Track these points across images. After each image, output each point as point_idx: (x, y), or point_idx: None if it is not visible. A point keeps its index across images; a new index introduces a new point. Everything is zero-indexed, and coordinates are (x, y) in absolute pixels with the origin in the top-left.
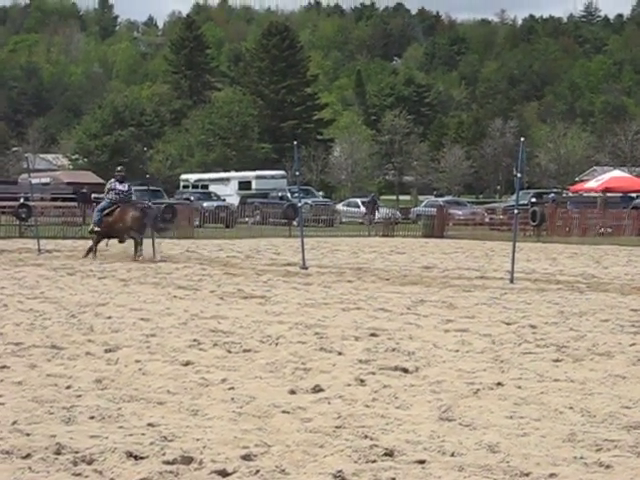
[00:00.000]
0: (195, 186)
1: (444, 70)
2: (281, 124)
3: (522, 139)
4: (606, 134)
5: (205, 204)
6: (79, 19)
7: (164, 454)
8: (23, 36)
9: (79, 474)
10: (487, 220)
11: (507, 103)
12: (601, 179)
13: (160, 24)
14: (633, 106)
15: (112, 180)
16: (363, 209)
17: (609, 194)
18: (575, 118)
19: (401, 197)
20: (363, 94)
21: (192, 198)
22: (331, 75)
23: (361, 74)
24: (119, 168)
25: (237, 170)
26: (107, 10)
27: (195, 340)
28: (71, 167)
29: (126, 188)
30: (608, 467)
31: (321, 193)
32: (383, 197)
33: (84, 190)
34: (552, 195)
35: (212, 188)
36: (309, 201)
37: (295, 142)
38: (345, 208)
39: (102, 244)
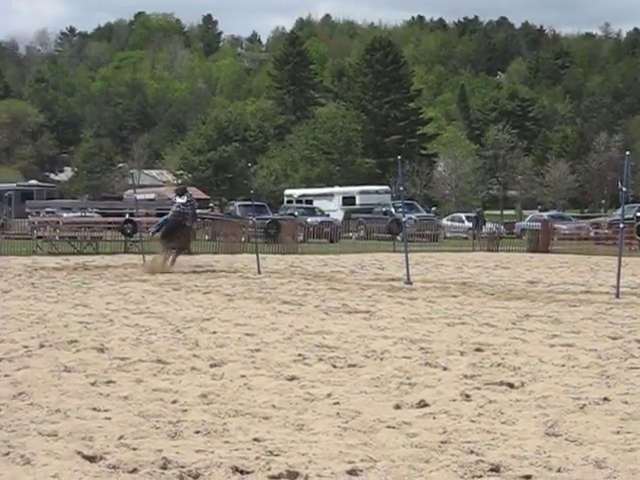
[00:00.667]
0: (299, 201)
1: (548, 84)
2: (385, 139)
3: (627, 153)
4: None
5: (309, 219)
6: (183, 35)
7: (270, 469)
8: (128, 53)
9: None
10: (592, 234)
11: (612, 117)
12: None
13: (264, 40)
14: None
15: (174, 195)
16: (467, 224)
17: None
18: None
19: (505, 212)
20: (467, 108)
21: (296, 213)
22: (434, 90)
23: (465, 88)
24: (179, 182)
25: (341, 185)
26: (211, 26)
27: (300, 355)
28: (176, 183)
29: (184, 200)
30: None
31: (434, 209)
32: (487, 212)
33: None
34: None
35: (316, 203)
36: (413, 216)
37: (399, 157)
38: (449, 223)
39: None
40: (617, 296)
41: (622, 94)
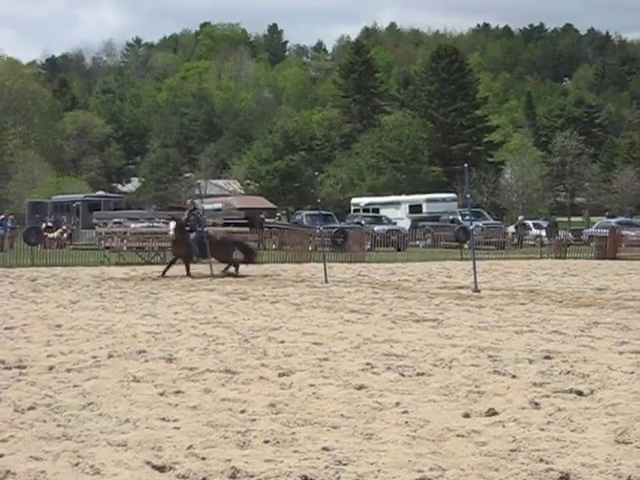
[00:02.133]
0: (366, 210)
1: (614, 90)
2: (451, 147)
3: None
4: None
5: (376, 228)
6: (249, 45)
7: (339, 478)
8: (194, 63)
9: None
10: None
11: None
12: None
13: (329, 48)
14: None
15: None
16: (535, 231)
17: None
18: None
19: (573, 219)
20: (533, 116)
21: (363, 222)
22: (501, 97)
23: (531, 95)
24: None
25: (407, 193)
26: (276, 36)
27: (368, 364)
28: (243, 192)
29: (185, 216)
30: None
31: (521, 217)
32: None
33: (262, 215)
34: None
35: (383, 212)
36: (480, 224)
37: (465, 165)
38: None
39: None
40: None
41: None
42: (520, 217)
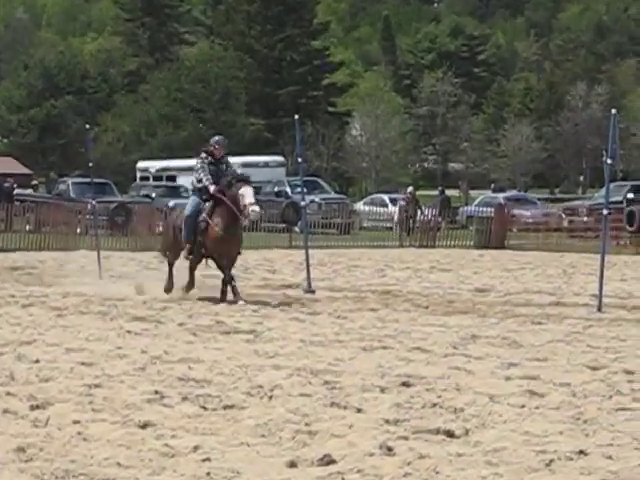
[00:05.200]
0: (158, 178)
1: (505, 16)
2: (277, 91)
3: (613, 111)
4: None
5: (172, 203)
6: None
7: None
8: None
9: None
10: (565, 224)
11: (593, 61)
12: None
13: None
14: None
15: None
16: (392, 209)
17: None
18: None
19: (447, 191)
20: (392, 49)
21: (153, 195)
22: (347, 23)
23: (389, 21)
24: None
25: None
26: None
27: (157, 392)
28: None
29: None
30: None
31: (411, 188)
32: (420, 192)
33: (6, 183)
34: None
35: (181, 181)
36: (317, 198)
37: (297, 116)
38: (367, 208)
39: None
40: (599, 309)
41: (608, 30)
42: (409, 188)
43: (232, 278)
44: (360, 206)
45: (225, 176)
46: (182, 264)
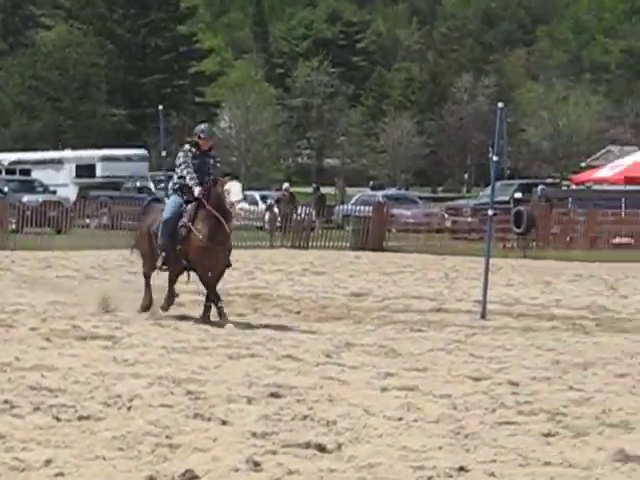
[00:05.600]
0: (10, 171)
1: (386, 1)
2: (141, 79)
3: (500, 105)
4: (627, 98)
5: (25, 198)
6: None
7: None
8: None
9: None
10: (448, 225)
11: (480, 51)
12: (619, 165)
13: None
14: None
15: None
16: (264, 207)
17: (630, 187)
18: (581, 74)
19: (324, 189)
20: (265, 36)
21: (6, 189)
22: (217, 7)
23: (262, 6)
24: None
25: (74, 148)
26: None
27: (7, 402)
28: None
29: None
30: None
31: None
32: (294, 189)
33: None
34: (542, 188)
35: (36, 174)
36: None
37: (161, 106)
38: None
39: None
40: (483, 316)
41: (496, 18)
42: (285, 185)
43: (218, 297)
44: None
45: (212, 173)
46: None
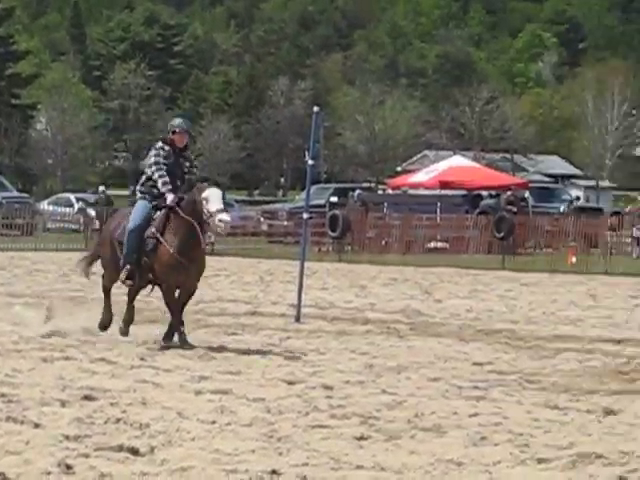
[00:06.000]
0: None
1: (204, 5)
2: None
3: (316, 108)
4: (443, 103)
5: None
6: None
7: None
8: None
9: None
10: (264, 228)
11: (297, 55)
12: (435, 169)
13: None
14: (484, 61)
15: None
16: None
17: (446, 191)
18: (398, 78)
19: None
20: (82, 38)
21: None
22: (33, 9)
23: (79, 8)
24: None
25: None
26: None
27: None
28: None
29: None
30: None
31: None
32: (111, 192)
33: None
34: (358, 192)
35: None
36: None
37: None
38: (52, 208)
39: None
40: (297, 320)
41: (312, 21)
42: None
43: (181, 321)
44: (45, 206)
45: (187, 177)
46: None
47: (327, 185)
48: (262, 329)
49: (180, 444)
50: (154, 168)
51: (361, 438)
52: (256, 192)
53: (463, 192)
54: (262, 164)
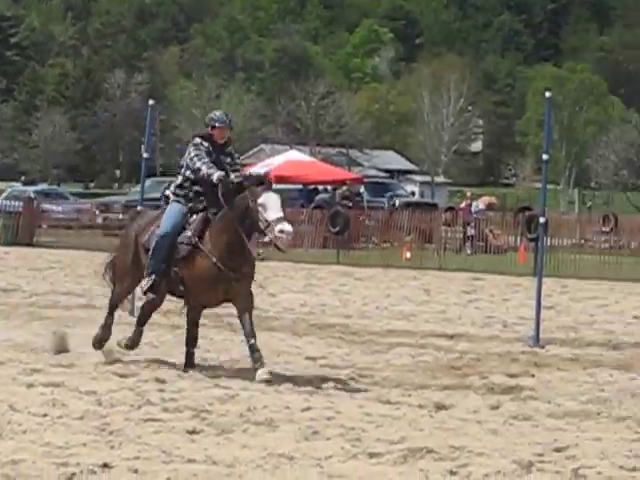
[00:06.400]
0: None
1: None
2: None
3: (152, 102)
4: (280, 97)
5: None
6: None
7: None
8: None
9: None
10: (100, 221)
11: (134, 48)
12: (270, 163)
13: None
14: (320, 56)
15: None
16: None
17: (281, 186)
18: (235, 72)
19: None
20: None
21: None
22: None
23: None
24: None
25: None
26: None
27: None
28: None
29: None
30: None
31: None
32: None
33: None
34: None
35: None
36: None
37: None
38: None
39: None
40: (132, 314)
41: (149, 15)
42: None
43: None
44: None
45: (231, 171)
46: None
47: (163, 178)
48: (96, 322)
49: (11, 437)
50: (195, 159)
51: (193, 432)
52: (92, 185)
53: (299, 186)
54: (98, 157)
